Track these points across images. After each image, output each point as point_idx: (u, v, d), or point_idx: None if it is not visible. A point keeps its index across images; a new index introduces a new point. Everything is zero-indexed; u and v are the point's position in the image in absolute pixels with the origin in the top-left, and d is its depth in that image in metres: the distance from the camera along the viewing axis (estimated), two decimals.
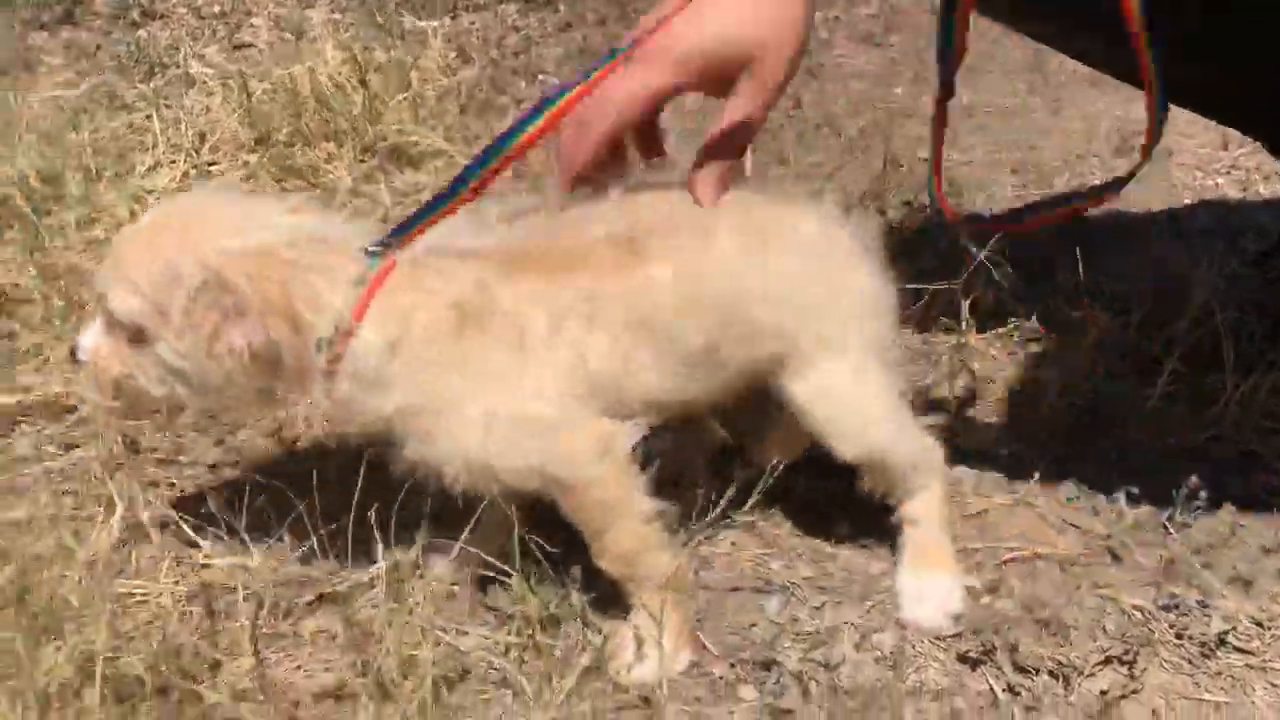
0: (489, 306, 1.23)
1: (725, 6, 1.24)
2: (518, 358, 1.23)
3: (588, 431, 1.25)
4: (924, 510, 1.46)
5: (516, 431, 1.23)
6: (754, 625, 1.42)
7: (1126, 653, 1.36)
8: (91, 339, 1.30)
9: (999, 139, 2.81)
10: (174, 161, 2.41)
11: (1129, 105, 3.02)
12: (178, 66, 2.91)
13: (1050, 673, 1.34)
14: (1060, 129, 2.90)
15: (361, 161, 2.46)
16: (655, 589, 1.30)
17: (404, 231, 1.23)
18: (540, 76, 3.08)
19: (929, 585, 1.44)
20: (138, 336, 1.24)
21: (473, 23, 3.36)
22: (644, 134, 1.28)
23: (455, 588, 1.45)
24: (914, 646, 1.39)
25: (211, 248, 1.19)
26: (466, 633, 1.37)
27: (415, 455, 1.26)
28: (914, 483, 1.43)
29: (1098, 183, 2.54)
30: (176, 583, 1.44)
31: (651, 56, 1.20)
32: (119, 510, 1.49)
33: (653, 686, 1.30)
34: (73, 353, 1.33)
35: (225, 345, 1.18)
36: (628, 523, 1.28)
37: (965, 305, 1.86)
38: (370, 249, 1.23)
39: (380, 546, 1.46)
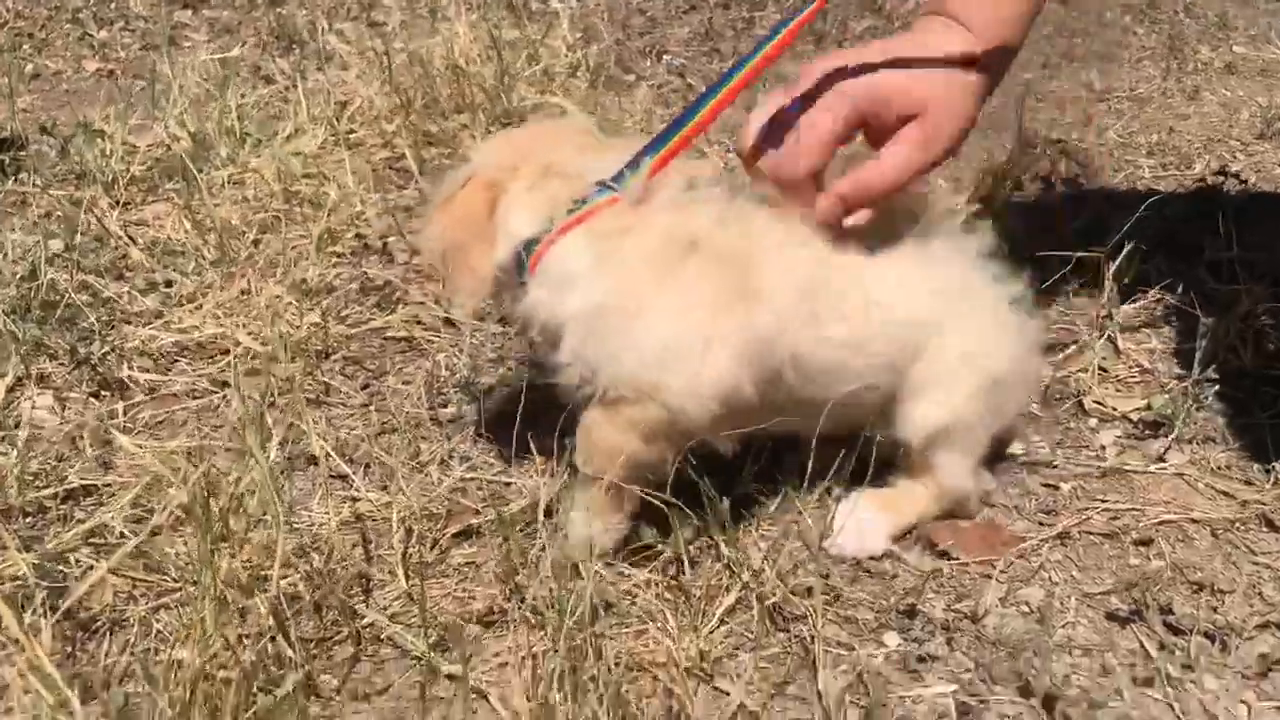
0: (698, 245, 1.26)
1: (904, 54, 1.32)
2: (709, 296, 1.25)
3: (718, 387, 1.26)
4: (922, 492, 1.45)
5: (671, 353, 1.24)
6: (895, 576, 1.42)
7: None
8: None
9: (1134, 123, 2.75)
10: (315, 129, 2.48)
11: (1271, 92, 2.94)
12: (315, 42, 3.01)
13: (1205, 634, 1.31)
14: (1199, 114, 2.82)
15: (494, 131, 2.51)
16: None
17: (634, 166, 1.28)
18: (665, 57, 3.10)
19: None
20: None
21: (598, 4, 3.40)
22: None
23: None
24: (1061, 603, 1.37)
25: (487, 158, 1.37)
26: (611, 564, 1.38)
27: (574, 357, 1.28)
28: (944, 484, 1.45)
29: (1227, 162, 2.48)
30: (329, 513, 1.48)
31: (835, 98, 1.28)
32: (276, 440, 1.54)
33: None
34: None
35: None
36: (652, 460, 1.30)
37: (1109, 273, 1.83)
38: (602, 183, 1.29)
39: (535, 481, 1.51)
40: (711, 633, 1.29)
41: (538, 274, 1.29)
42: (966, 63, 1.32)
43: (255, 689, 1.16)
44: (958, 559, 1.43)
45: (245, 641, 1.22)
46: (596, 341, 1.26)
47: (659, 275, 1.24)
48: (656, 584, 1.37)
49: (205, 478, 1.33)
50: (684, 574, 1.36)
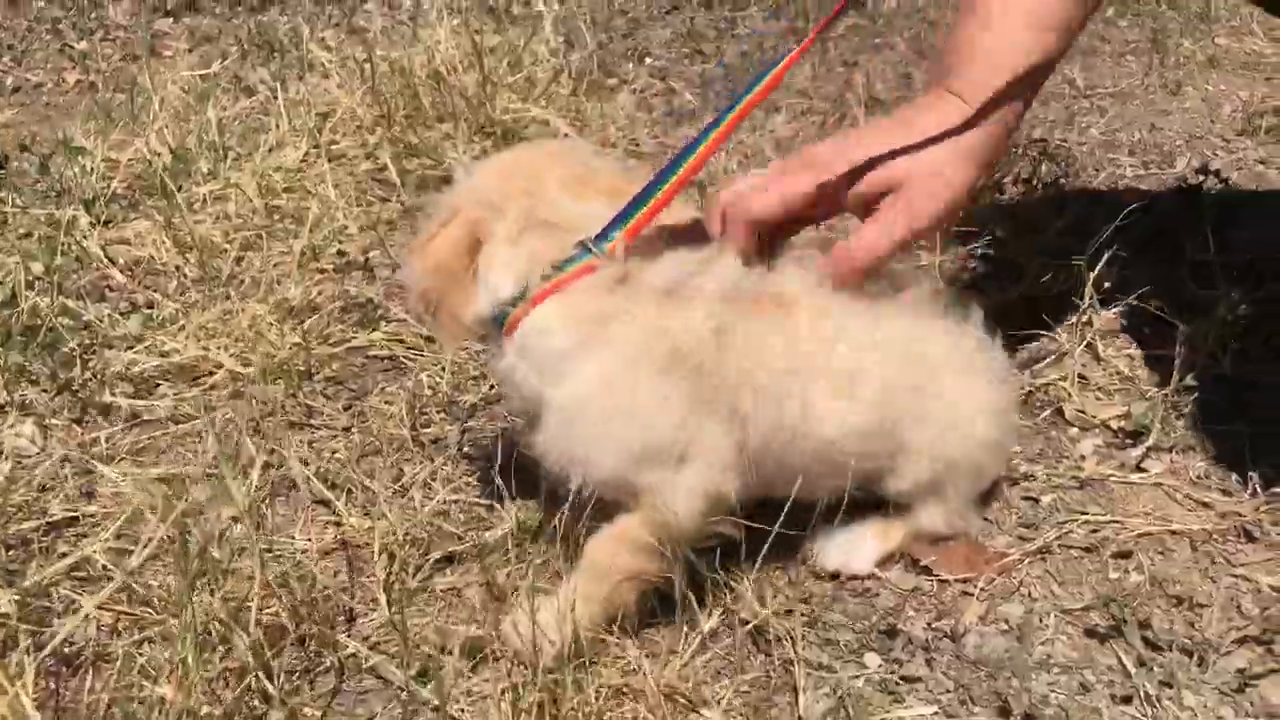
0: (682, 357, 1.23)
1: (888, 134, 1.34)
2: (688, 409, 1.24)
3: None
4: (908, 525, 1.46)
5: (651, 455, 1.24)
6: (876, 595, 1.42)
7: (1265, 632, 1.33)
8: None
9: (1116, 120, 2.75)
10: (297, 141, 2.48)
11: (1252, 86, 2.94)
12: (297, 50, 3.00)
13: (1184, 649, 1.32)
14: (1181, 110, 2.83)
15: (476, 141, 2.50)
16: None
17: (615, 227, 1.26)
18: (648, 59, 3.10)
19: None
20: None
21: (580, 6, 3.39)
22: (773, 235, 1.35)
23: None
24: (1041, 620, 1.38)
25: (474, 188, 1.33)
26: None
27: (554, 446, 1.26)
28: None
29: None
30: (310, 540, 1.48)
31: (800, 164, 1.33)
32: (257, 467, 1.54)
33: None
34: None
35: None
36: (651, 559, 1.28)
37: (1090, 279, 1.83)
38: (583, 243, 1.26)
39: (510, 506, 1.51)
40: (693, 658, 1.30)
41: (516, 340, 1.27)
42: (959, 132, 1.33)
43: None
44: (940, 577, 1.44)
45: (228, 677, 1.22)
46: (577, 435, 1.24)
47: (641, 378, 1.23)
48: (636, 611, 1.38)
49: (182, 511, 1.32)
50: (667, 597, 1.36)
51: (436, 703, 1.23)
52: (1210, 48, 3.20)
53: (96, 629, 1.35)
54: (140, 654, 1.31)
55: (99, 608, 1.36)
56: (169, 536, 1.31)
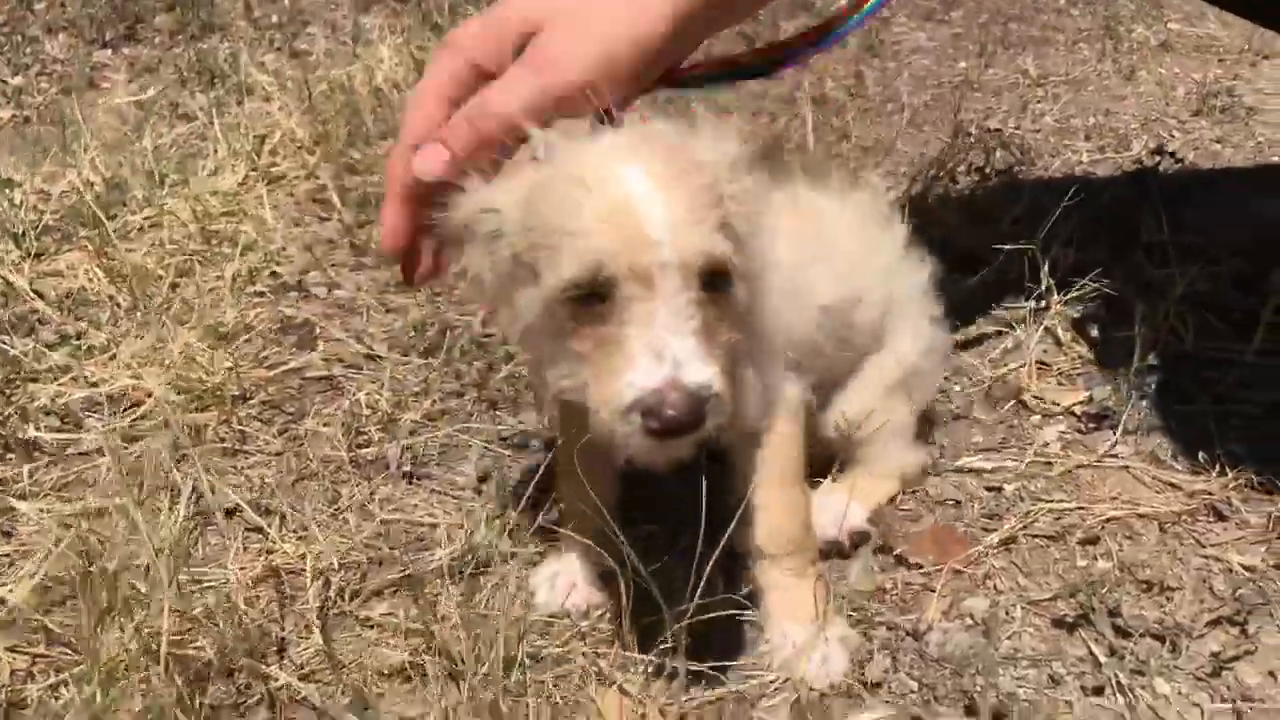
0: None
1: None
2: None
3: None
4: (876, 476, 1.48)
5: None
6: (840, 596, 1.36)
7: (1238, 613, 1.28)
8: None
9: (1071, 107, 2.72)
10: (235, 165, 2.41)
11: (1205, 69, 2.92)
12: (237, 75, 2.93)
13: (1155, 635, 1.26)
14: (1135, 94, 2.80)
15: None
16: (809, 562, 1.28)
17: None
18: None
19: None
20: None
21: None
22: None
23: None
24: (1007, 612, 1.32)
25: None
26: (550, 623, 1.32)
27: None
28: None
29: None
30: (243, 568, 1.41)
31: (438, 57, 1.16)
32: (184, 497, 1.47)
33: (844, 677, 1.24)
34: None
35: None
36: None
37: (1045, 265, 1.78)
38: None
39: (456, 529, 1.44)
40: (643, 671, 1.23)
41: None
42: None
43: None
44: (913, 564, 1.38)
45: (147, 715, 1.15)
46: None
47: None
48: (583, 630, 1.31)
49: (87, 548, 1.25)
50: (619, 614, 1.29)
51: None
52: (1163, 33, 3.18)
53: (10, 674, 1.27)
54: (56, 698, 1.24)
55: (11, 651, 1.28)
56: (80, 572, 1.23)
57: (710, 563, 1.13)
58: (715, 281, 1.02)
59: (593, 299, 1.00)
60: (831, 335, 1.33)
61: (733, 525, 1.20)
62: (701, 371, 0.97)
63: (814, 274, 1.29)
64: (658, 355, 0.97)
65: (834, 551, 1.39)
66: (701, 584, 1.14)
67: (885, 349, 1.44)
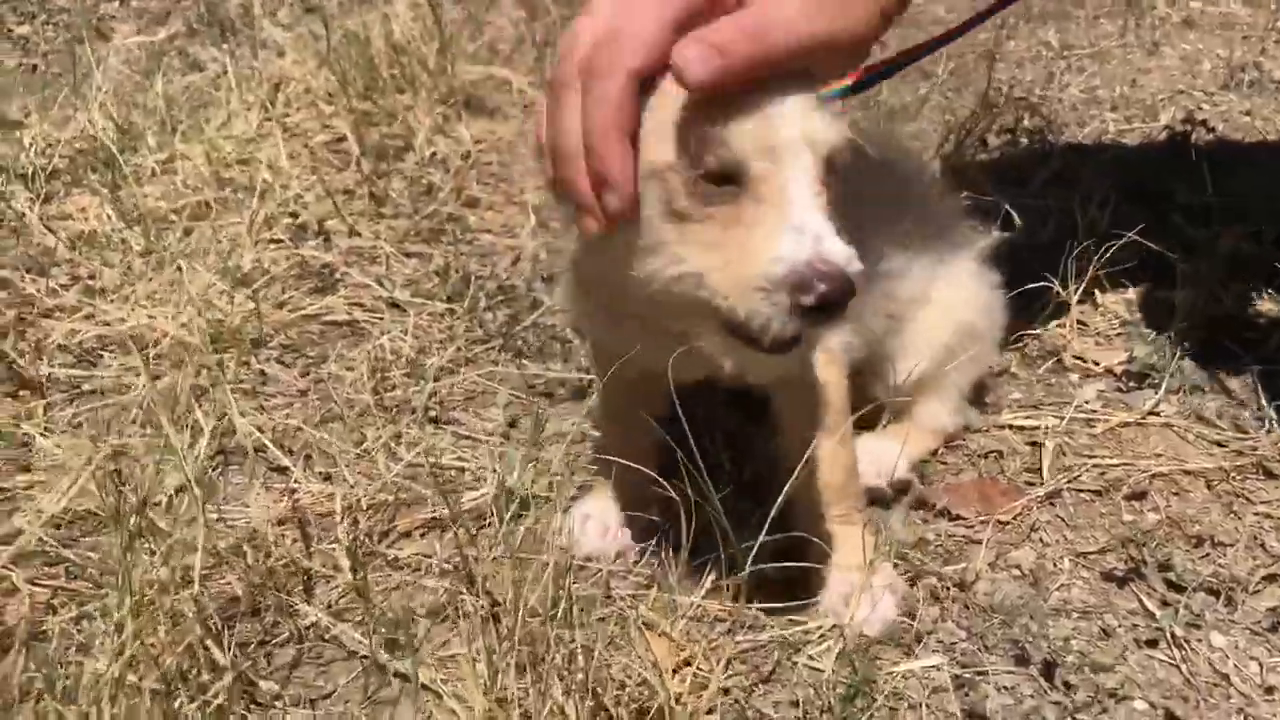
0: None
1: None
2: None
3: None
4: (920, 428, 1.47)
5: None
6: (879, 542, 1.32)
7: None
8: None
9: (1095, 78, 2.68)
10: (248, 113, 2.36)
11: (1231, 45, 2.89)
12: (249, 29, 2.88)
13: (1209, 589, 1.23)
14: (1160, 68, 2.76)
15: (438, 109, 2.40)
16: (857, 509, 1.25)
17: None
18: None
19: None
20: None
21: None
22: None
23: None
24: (1054, 564, 1.29)
25: None
26: (584, 566, 1.28)
27: None
28: None
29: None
30: (268, 507, 1.37)
31: None
32: (206, 433, 1.43)
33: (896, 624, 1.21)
34: None
35: None
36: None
37: (1081, 222, 1.75)
38: None
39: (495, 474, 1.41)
40: (685, 612, 1.20)
41: None
42: None
43: (183, 699, 1.05)
44: (955, 516, 1.35)
45: (173, 648, 1.11)
46: None
47: None
48: (621, 573, 1.28)
49: (118, 476, 1.21)
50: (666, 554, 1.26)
51: (404, 670, 1.13)
52: (1185, 9, 3.14)
53: (30, 606, 1.23)
54: (79, 631, 1.20)
55: (32, 583, 1.24)
56: (105, 506, 1.19)
57: (775, 504, 1.09)
58: (832, 169, 0.98)
59: (720, 179, 0.94)
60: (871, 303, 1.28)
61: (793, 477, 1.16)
62: (843, 246, 0.93)
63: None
64: (799, 230, 0.92)
65: (876, 499, 1.36)
66: (765, 522, 1.10)
67: (937, 308, 1.39)
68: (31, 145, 2.20)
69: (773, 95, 0.95)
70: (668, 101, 0.96)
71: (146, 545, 1.17)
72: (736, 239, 0.94)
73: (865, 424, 1.36)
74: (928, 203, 1.43)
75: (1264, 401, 1.49)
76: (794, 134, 0.94)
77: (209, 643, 1.10)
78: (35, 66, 2.84)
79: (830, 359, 1.21)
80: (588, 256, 1.13)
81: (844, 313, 0.93)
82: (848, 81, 1.28)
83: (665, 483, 1.11)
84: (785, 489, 1.12)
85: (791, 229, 0.92)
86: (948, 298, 1.39)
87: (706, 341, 0.99)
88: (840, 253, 0.92)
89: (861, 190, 1.18)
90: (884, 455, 1.35)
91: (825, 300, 0.90)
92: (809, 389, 1.21)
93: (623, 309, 1.09)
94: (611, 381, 1.25)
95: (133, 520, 1.14)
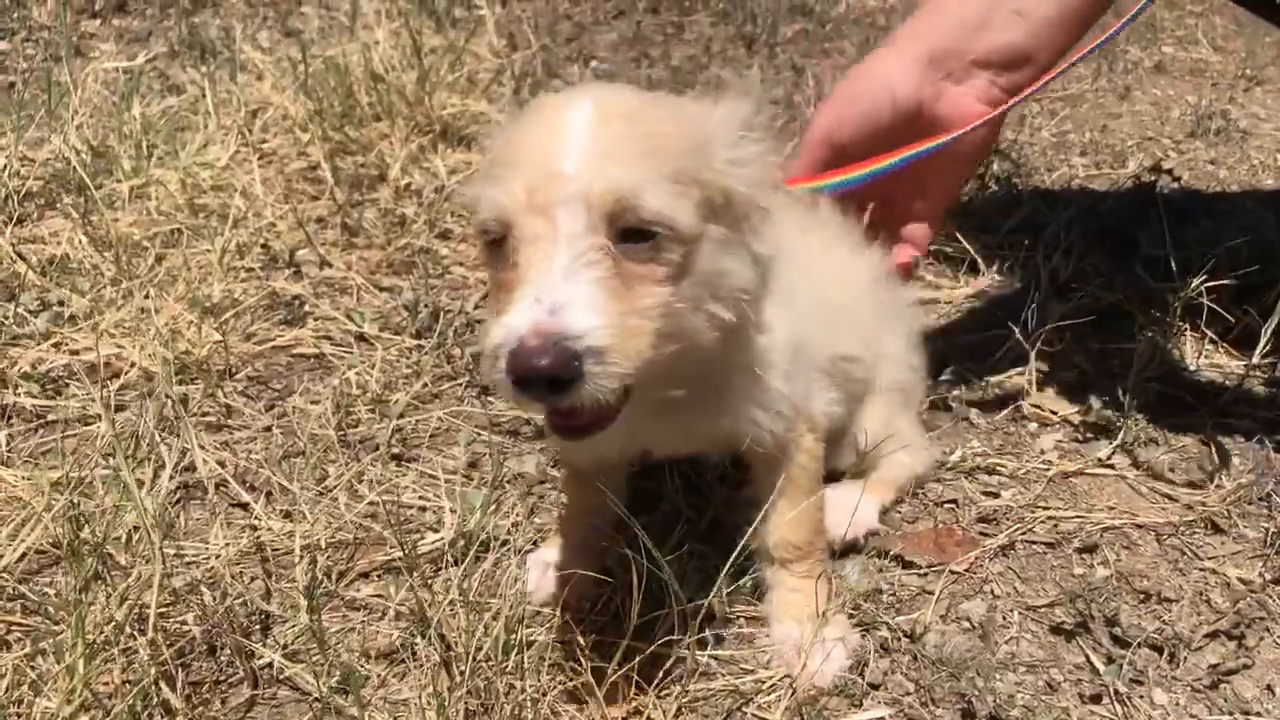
0: None
1: None
2: None
3: None
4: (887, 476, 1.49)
5: None
6: (836, 595, 1.34)
7: (1236, 626, 1.27)
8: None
9: (1067, 122, 2.72)
10: (225, 139, 2.37)
11: (1199, 92, 2.93)
12: (229, 52, 2.89)
13: (1153, 645, 1.25)
14: (1131, 113, 2.81)
15: (414, 139, 2.41)
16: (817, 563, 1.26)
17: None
18: (593, 63, 3.03)
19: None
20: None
21: (524, 10, 3.31)
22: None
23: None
24: (1004, 617, 1.31)
25: None
26: (539, 613, 1.29)
27: None
28: None
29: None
30: (227, 544, 1.37)
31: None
32: (168, 468, 1.43)
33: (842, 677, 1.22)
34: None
35: None
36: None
37: (1045, 272, 1.78)
38: None
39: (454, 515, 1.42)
40: (642, 660, 1.20)
41: None
42: None
43: None
44: (910, 564, 1.37)
45: (126, 689, 1.11)
46: None
47: None
48: (581, 621, 1.29)
49: (74, 511, 1.21)
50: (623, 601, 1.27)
51: (354, 712, 1.13)
52: (1157, 55, 3.20)
53: None
54: (33, 668, 1.20)
55: None
56: (60, 541, 1.19)
57: (730, 560, 1.11)
58: (638, 233, 0.92)
59: (500, 241, 0.93)
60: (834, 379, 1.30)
61: (751, 529, 1.18)
62: (580, 320, 0.86)
63: (837, 321, 1.29)
64: (537, 299, 0.87)
65: (848, 549, 1.38)
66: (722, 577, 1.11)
67: (881, 378, 1.43)
68: (5, 166, 2.21)
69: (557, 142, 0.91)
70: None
71: (104, 584, 1.17)
72: (501, 300, 0.92)
73: (830, 478, 1.38)
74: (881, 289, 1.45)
75: (1215, 456, 1.51)
76: (565, 186, 0.89)
77: (163, 685, 1.11)
78: (12, 84, 2.84)
79: (813, 426, 1.23)
80: None
81: (570, 390, 0.86)
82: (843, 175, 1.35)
83: (618, 537, 1.12)
84: (741, 544, 1.14)
85: (528, 296, 0.87)
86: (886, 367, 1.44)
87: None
88: (568, 324, 0.86)
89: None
90: (853, 505, 1.38)
91: (523, 372, 0.85)
92: (788, 456, 1.22)
93: None
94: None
95: (89, 561, 1.15)
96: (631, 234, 0.91)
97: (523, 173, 0.91)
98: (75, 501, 1.30)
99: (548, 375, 0.85)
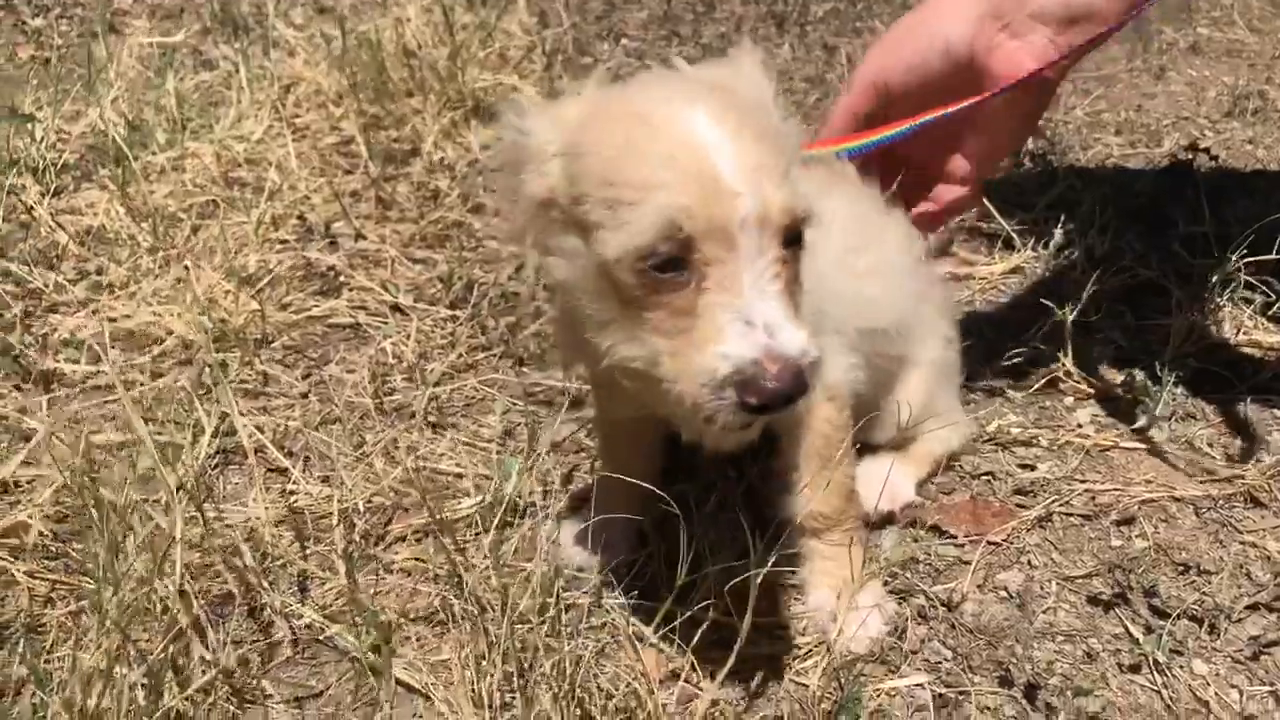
0: None
1: None
2: None
3: None
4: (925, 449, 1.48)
5: None
6: (870, 560, 1.34)
7: (1277, 599, 1.26)
8: None
9: (1100, 102, 2.70)
10: (259, 113, 2.38)
11: (1236, 72, 2.90)
12: (261, 28, 2.90)
13: (1193, 616, 1.25)
14: (1166, 93, 2.78)
15: (446, 114, 2.41)
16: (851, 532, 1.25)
17: None
18: (623, 40, 3.02)
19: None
20: None
21: None
22: None
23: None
24: (1041, 587, 1.30)
25: None
26: (576, 576, 1.29)
27: None
28: None
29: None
30: (266, 507, 1.38)
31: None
32: (208, 433, 1.44)
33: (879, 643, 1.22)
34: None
35: None
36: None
37: (1080, 248, 1.76)
38: None
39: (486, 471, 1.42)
40: (676, 624, 1.21)
41: None
42: None
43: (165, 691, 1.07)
44: (946, 535, 1.37)
45: (159, 640, 1.12)
46: None
47: None
48: (618, 582, 1.29)
49: (121, 476, 1.22)
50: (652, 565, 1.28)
51: (397, 674, 1.14)
52: (1192, 35, 3.16)
53: (29, 599, 1.25)
54: (77, 625, 1.22)
55: (31, 575, 1.26)
56: (102, 501, 1.21)
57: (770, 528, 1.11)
58: (795, 238, 0.95)
59: (668, 265, 0.91)
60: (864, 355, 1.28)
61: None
62: (797, 337, 0.89)
63: (870, 290, 1.27)
64: (748, 322, 0.89)
65: (885, 522, 1.38)
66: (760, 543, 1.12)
67: (917, 356, 1.41)
68: (43, 138, 2.22)
69: (679, 110, 0.92)
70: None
71: (138, 543, 1.18)
72: (685, 327, 0.91)
73: (867, 449, 1.38)
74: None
75: (1255, 430, 1.50)
76: (743, 206, 0.90)
77: (197, 640, 1.12)
78: (48, 60, 2.86)
79: (833, 394, 1.21)
80: (562, 321, 1.13)
81: (798, 404, 0.90)
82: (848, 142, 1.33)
83: (665, 495, 1.12)
84: (781, 513, 1.14)
85: (736, 321, 0.89)
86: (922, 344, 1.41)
87: (666, 410, 0.98)
88: (793, 345, 0.89)
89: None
90: (891, 478, 1.38)
91: (773, 400, 0.88)
92: (807, 424, 1.21)
93: (597, 368, 1.06)
94: (602, 408, 1.28)
95: (115, 524, 1.16)
96: (788, 241, 0.94)
97: (684, 193, 0.90)
98: (103, 465, 1.31)
99: (792, 397, 0.88)
